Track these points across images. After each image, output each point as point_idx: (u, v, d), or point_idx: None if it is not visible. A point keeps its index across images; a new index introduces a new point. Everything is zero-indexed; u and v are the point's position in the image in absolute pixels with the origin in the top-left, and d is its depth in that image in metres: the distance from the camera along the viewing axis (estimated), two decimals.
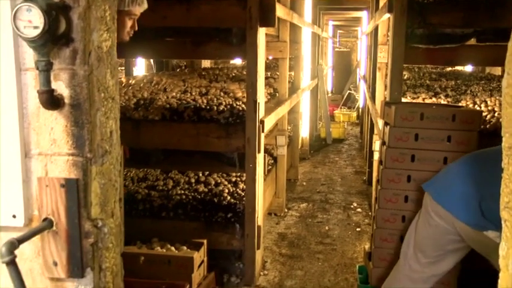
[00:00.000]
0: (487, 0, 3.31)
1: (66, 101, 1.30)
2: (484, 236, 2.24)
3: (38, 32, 1.18)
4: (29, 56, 1.29)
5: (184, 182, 4.30)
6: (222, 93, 4.15)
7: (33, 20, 1.18)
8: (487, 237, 2.23)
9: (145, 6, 2.00)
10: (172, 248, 3.36)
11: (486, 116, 3.44)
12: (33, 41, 1.20)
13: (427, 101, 4.32)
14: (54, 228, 1.32)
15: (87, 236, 1.34)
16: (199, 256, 3.31)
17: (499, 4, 3.28)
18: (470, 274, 2.91)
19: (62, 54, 1.29)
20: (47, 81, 1.25)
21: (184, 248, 3.37)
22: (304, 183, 6.72)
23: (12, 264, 1.19)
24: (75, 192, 1.31)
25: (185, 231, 3.65)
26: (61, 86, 1.29)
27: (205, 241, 3.47)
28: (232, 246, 3.73)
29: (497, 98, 4.11)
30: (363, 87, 9.46)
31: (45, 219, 1.32)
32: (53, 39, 1.23)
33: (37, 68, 1.24)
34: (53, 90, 1.26)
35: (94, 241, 1.34)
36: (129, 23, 1.98)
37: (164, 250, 3.34)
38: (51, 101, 1.27)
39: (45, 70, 1.24)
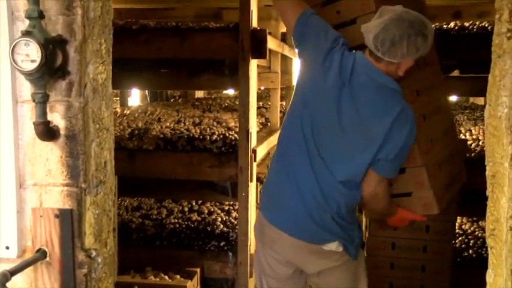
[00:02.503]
0: None
1: (62, 132, 1.32)
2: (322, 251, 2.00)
3: (35, 65, 1.21)
4: (26, 88, 1.31)
5: (177, 211, 4.29)
6: (215, 123, 4.18)
7: (31, 54, 1.21)
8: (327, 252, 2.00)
9: None
10: (166, 277, 3.35)
11: (471, 145, 3.49)
12: (31, 74, 1.23)
13: None
14: (47, 259, 1.33)
15: (80, 267, 1.34)
16: (193, 285, 3.29)
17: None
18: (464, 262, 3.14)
19: (58, 87, 1.31)
20: (43, 113, 1.27)
21: (178, 276, 3.35)
22: None
23: None
24: (70, 222, 1.32)
25: (179, 260, 3.63)
26: (57, 118, 1.32)
27: (198, 270, 3.45)
28: (226, 275, 3.71)
29: (481, 127, 4.16)
30: None
31: (38, 250, 1.32)
32: (49, 72, 1.26)
33: (33, 100, 1.26)
34: (48, 122, 1.29)
35: (87, 271, 1.35)
36: None
37: (158, 279, 3.32)
38: (47, 132, 1.29)
39: (42, 102, 1.26)
